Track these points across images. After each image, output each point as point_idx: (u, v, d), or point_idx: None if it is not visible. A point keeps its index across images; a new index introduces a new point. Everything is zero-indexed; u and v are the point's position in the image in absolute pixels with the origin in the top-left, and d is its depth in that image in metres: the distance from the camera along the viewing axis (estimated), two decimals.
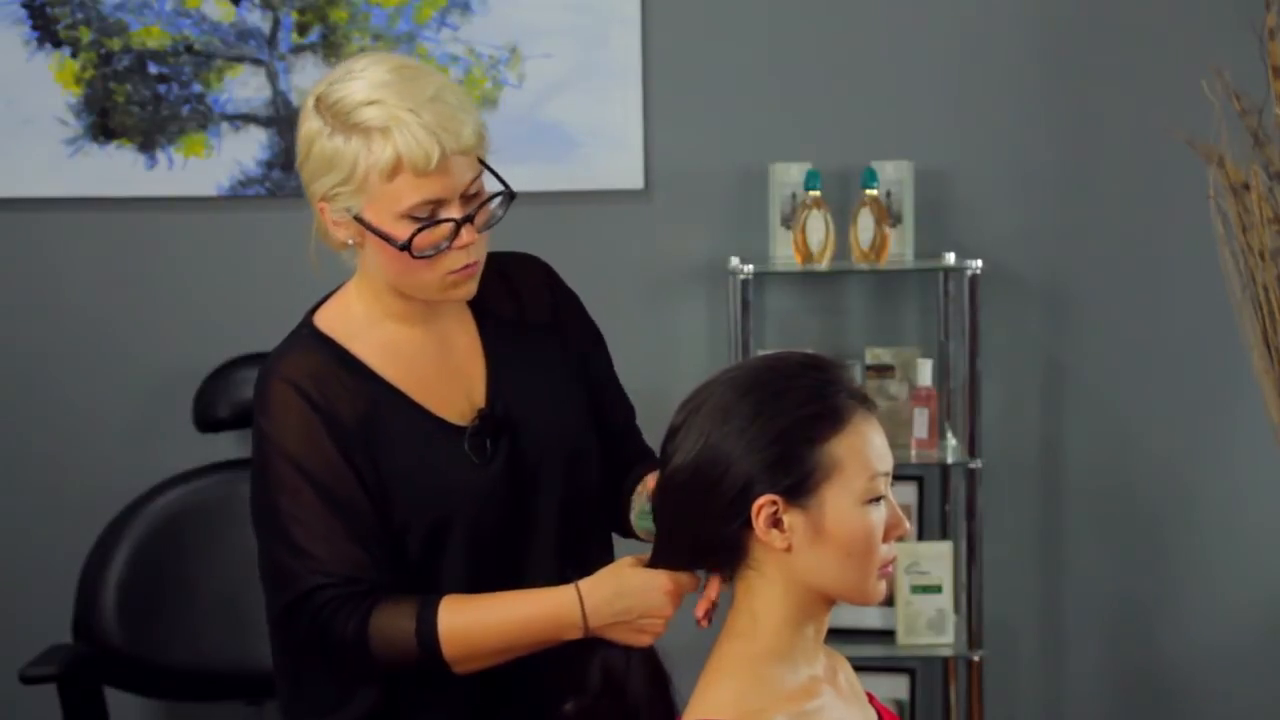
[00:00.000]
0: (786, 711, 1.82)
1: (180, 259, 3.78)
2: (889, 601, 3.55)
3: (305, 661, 2.18)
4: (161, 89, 3.73)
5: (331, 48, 3.72)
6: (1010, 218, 3.76)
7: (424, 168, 2.06)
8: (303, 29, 3.72)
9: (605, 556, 2.21)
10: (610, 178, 3.74)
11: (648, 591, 2.02)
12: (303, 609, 2.10)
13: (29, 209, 3.75)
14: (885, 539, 1.86)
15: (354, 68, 2.12)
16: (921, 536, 3.75)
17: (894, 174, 3.67)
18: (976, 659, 3.59)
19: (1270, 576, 3.82)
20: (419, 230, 2.08)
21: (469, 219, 2.10)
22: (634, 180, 3.74)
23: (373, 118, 2.07)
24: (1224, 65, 3.39)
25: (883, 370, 3.67)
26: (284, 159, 3.71)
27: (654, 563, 2.02)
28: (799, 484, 1.82)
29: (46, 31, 3.71)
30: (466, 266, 2.12)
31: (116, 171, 3.74)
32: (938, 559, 3.61)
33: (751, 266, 3.55)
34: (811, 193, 3.59)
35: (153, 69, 3.72)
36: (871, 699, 1.99)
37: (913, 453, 3.59)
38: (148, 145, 3.73)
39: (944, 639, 3.61)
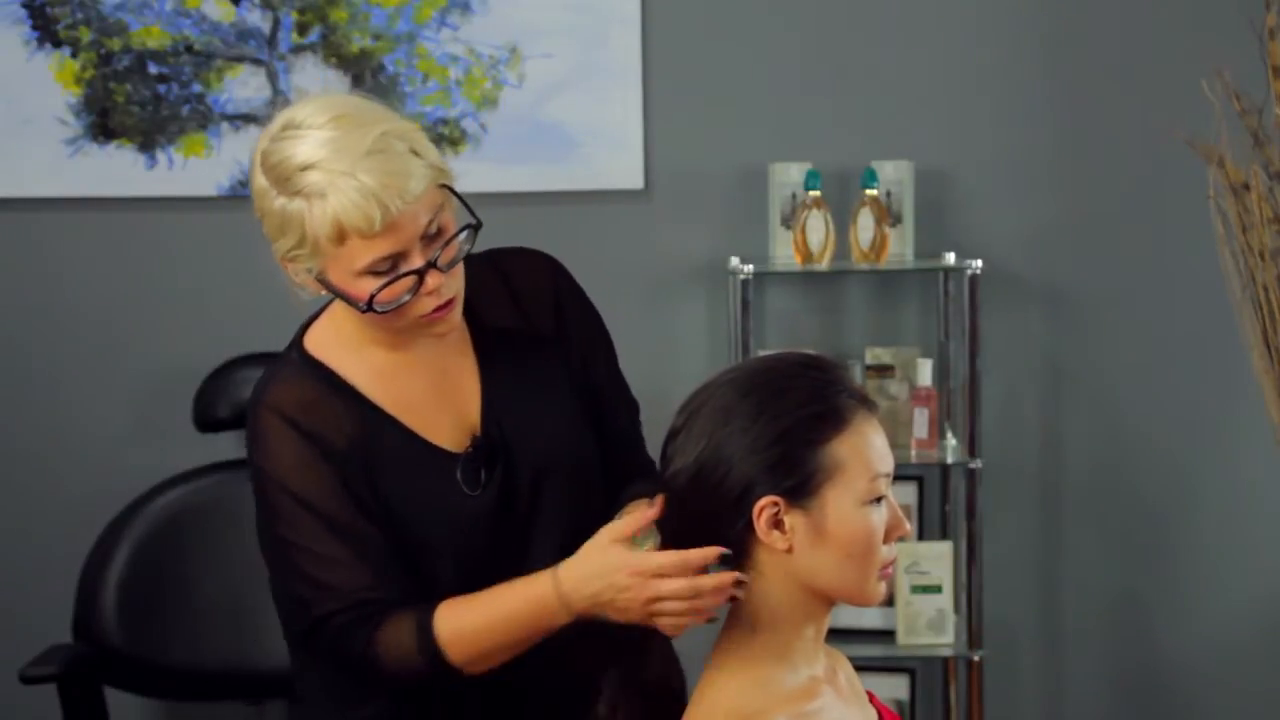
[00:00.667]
0: (787, 711, 1.82)
1: (180, 259, 3.78)
2: (889, 601, 3.55)
3: (340, 684, 2.17)
4: (161, 89, 3.73)
5: (331, 48, 3.72)
6: (1010, 218, 3.76)
7: (368, 232, 1.99)
8: (303, 29, 3.72)
9: None
10: (610, 178, 3.74)
11: (615, 572, 1.97)
12: (318, 636, 2.09)
13: (29, 209, 3.75)
14: (886, 540, 1.86)
15: (295, 119, 2.03)
16: (921, 536, 3.74)
17: (894, 174, 3.67)
18: (976, 659, 3.59)
19: (1270, 577, 3.82)
20: (380, 288, 2.02)
21: (432, 264, 2.03)
22: (634, 180, 3.74)
23: (312, 184, 1.99)
24: (1224, 65, 3.39)
25: (883, 370, 3.67)
26: None
27: None
28: (800, 485, 1.82)
29: (46, 31, 3.71)
30: (439, 309, 2.07)
31: (116, 171, 3.74)
32: (938, 559, 3.61)
33: (751, 266, 3.55)
34: (811, 193, 3.59)
35: (153, 69, 3.72)
36: (872, 698, 1.99)
37: (913, 453, 3.59)
38: (148, 145, 3.73)
39: (944, 639, 3.61)
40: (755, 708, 1.81)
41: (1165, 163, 3.66)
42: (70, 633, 3.47)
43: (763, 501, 1.82)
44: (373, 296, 2.02)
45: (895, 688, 3.71)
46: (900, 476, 3.54)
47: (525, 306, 2.23)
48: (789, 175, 3.66)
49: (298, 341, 2.18)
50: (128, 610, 3.44)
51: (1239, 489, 3.80)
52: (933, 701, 3.81)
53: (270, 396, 2.12)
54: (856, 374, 3.64)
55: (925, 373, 3.61)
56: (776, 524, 1.83)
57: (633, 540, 2.02)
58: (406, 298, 2.04)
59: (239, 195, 3.72)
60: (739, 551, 1.86)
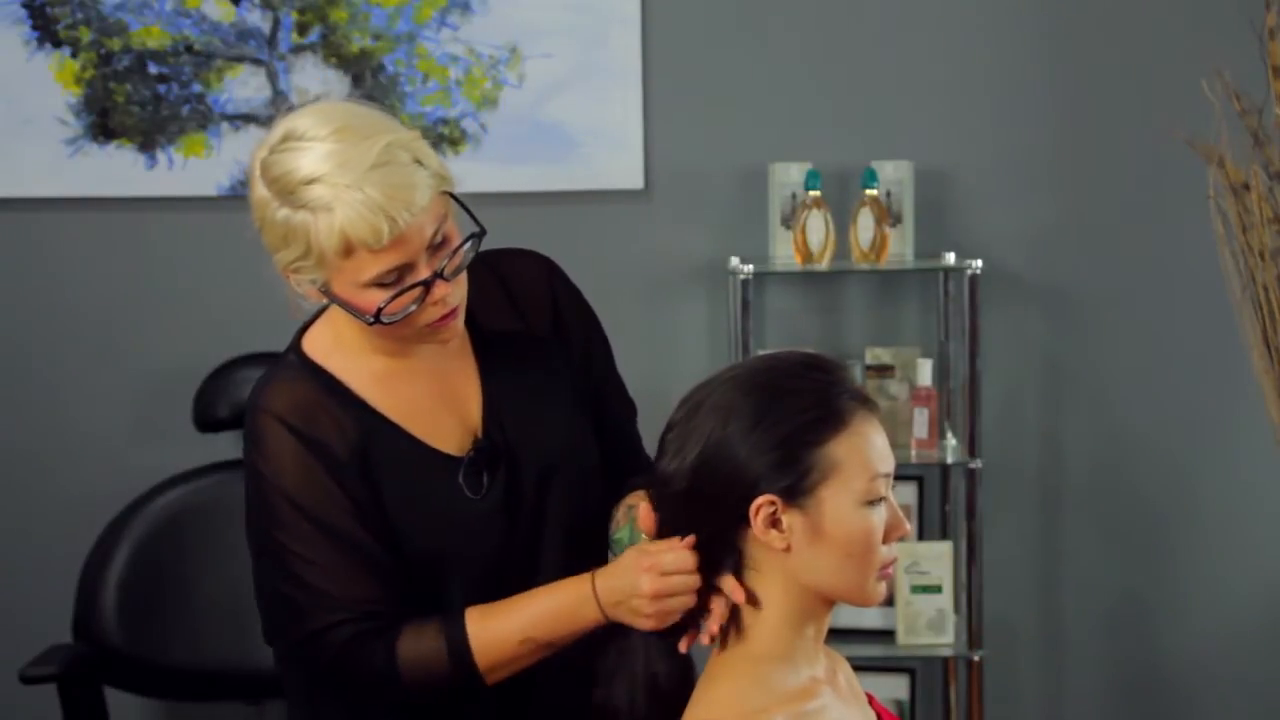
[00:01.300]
0: (786, 712, 1.81)
1: (180, 259, 3.78)
2: (889, 601, 3.55)
3: (320, 690, 2.16)
4: (161, 89, 3.73)
5: (331, 48, 3.72)
6: (1010, 218, 3.76)
7: (376, 245, 1.98)
8: (303, 29, 3.72)
9: None
10: (610, 178, 3.74)
11: (627, 571, 1.96)
12: (321, 645, 2.07)
13: (29, 209, 3.76)
14: (886, 540, 1.85)
15: (296, 129, 2.01)
16: (921, 536, 3.75)
17: (894, 174, 3.67)
18: (976, 659, 3.59)
19: (1270, 577, 3.82)
20: (388, 301, 2.02)
21: (439, 274, 2.03)
22: (634, 180, 3.74)
23: (317, 197, 1.97)
24: (1224, 65, 3.39)
25: (883, 370, 3.67)
26: None
27: None
28: (796, 484, 1.82)
29: (46, 31, 3.72)
30: (444, 317, 2.06)
31: (116, 171, 3.74)
32: (938, 559, 3.61)
33: (751, 266, 3.55)
34: (811, 193, 3.59)
35: (153, 69, 3.72)
36: (871, 700, 1.99)
37: (913, 453, 3.59)
38: (148, 145, 3.73)
39: (944, 639, 3.61)
40: (755, 707, 1.81)
41: (1165, 163, 3.66)
42: (70, 633, 3.47)
43: (759, 500, 1.82)
44: (380, 309, 2.02)
45: (895, 688, 3.71)
46: (900, 476, 3.53)
47: (523, 309, 2.23)
48: (789, 175, 3.66)
49: (296, 345, 2.18)
50: (128, 610, 3.45)
51: (1239, 489, 3.80)
52: (933, 701, 3.81)
53: (269, 400, 2.11)
54: (856, 374, 3.64)
55: (925, 373, 3.61)
56: (774, 523, 1.83)
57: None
58: (413, 308, 2.03)
59: (239, 195, 3.71)
60: (737, 551, 1.86)
